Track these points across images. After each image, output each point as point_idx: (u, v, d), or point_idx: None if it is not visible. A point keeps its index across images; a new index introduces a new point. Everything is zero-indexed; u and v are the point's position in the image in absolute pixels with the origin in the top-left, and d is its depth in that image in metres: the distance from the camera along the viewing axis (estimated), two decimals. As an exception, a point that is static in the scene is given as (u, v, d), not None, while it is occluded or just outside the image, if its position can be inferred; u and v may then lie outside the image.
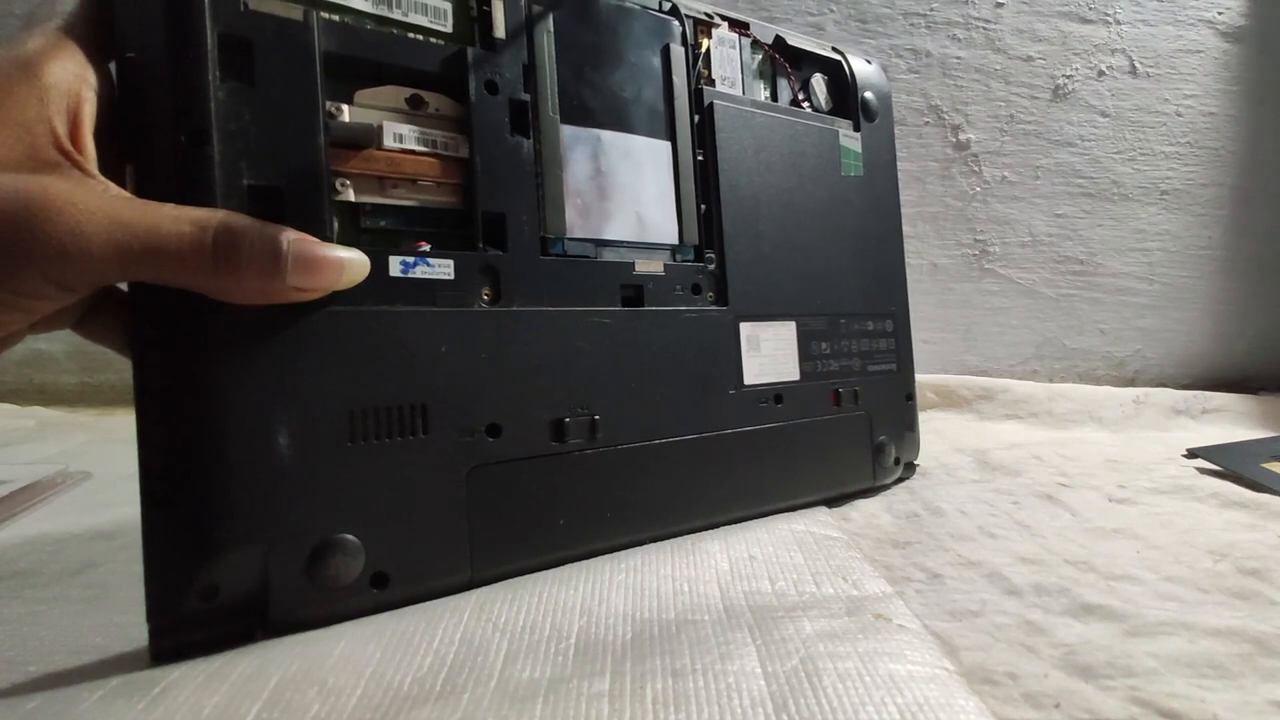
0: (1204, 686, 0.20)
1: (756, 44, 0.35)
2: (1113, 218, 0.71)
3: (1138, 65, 0.69)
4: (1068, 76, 0.68)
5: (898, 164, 0.36)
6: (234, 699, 0.17)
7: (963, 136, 0.67)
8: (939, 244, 0.68)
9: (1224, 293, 0.74)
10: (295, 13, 0.21)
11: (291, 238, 0.19)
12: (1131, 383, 0.72)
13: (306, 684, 0.17)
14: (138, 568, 0.18)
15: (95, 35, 0.19)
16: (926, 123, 0.66)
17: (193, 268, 0.18)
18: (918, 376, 0.65)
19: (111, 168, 0.19)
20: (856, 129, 0.37)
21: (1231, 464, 0.42)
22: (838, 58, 0.38)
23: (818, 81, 0.37)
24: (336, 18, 0.22)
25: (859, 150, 0.37)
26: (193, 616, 0.19)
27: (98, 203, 0.17)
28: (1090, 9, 0.68)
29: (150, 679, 0.18)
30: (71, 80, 0.18)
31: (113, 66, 0.20)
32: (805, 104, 0.37)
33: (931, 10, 0.65)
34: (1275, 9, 0.71)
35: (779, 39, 0.36)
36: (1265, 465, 0.42)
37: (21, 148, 0.17)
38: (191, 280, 0.19)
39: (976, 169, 0.68)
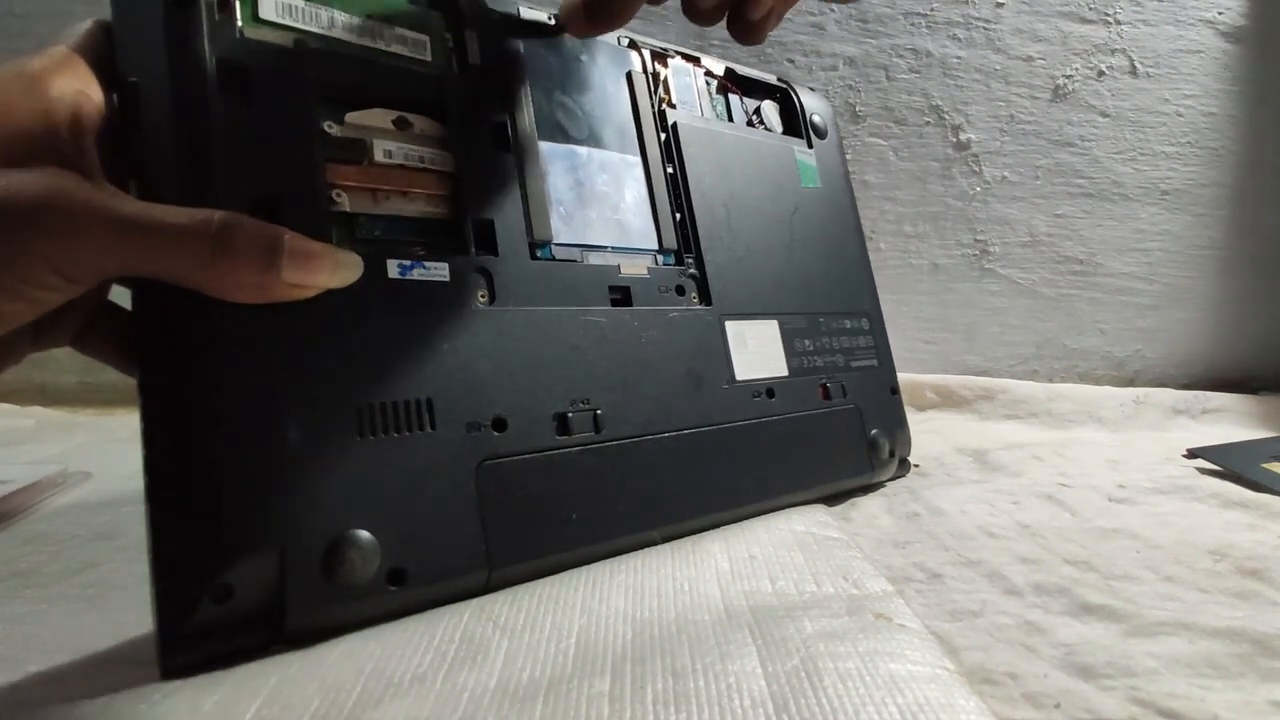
0: (1204, 686, 0.20)
1: (710, 74, 0.37)
2: (1113, 218, 0.71)
3: (1138, 65, 0.69)
4: (1068, 76, 0.68)
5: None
6: (233, 695, 0.17)
7: (963, 136, 0.67)
8: (939, 244, 0.68)
9: (1224, 293, 0.74)
10: (287, 40, 0.23)
11: (288, 234, 0.20)
12: (1131, 383, 0.72)
13: (306, 680, 0.17)
14: (138, 568, 0.18)
15: (98, 57, 0.20)
16: (927, 123, 0.66)
17: (191, 259, 0.18)
18: (918, 376, 0.66)
19: (115, 182, 0.19)
20: (810, 146, 0.40)
21: (1231, 464, 0.42)
22: (784, 86, 0.41)
23: (768, 107, 0.40)
24: (325, 46, 0.24)
25: (814, 165, 0.40)
26: (206, 627, 0.18)
27: (100, 198, 0.18)
28: (1090, 9, 0.68)
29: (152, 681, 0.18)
30: (74, 95, 0.19)
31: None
32: (760, 126, 0.40)
33: (932, 10, 0.65)
34: (1275, 9, 0.71)
35: (729, 70, 0.38)
36: (1265, 465, 0.42)
37: (26, 154, 0.18)
38: (189, 272, 0.19)
39: (977, 169, 0.68)
